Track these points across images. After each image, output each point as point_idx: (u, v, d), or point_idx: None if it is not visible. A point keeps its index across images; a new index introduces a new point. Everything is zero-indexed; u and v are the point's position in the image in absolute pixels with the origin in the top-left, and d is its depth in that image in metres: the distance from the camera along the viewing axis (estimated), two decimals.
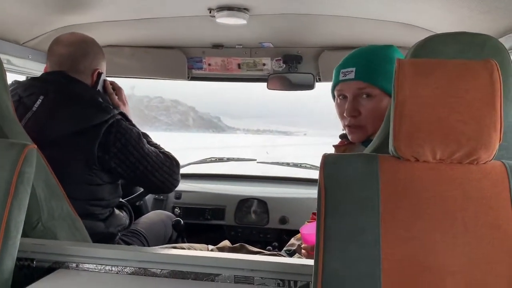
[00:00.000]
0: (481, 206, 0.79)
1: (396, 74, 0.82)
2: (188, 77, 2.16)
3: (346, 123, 1.30)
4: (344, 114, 1.28)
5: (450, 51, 0.92)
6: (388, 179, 0.82)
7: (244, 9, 1.53)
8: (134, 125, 1.47)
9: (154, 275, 0.99)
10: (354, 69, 1.26)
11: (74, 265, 1.03)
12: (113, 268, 1.01)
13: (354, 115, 1.27)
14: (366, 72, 1.25)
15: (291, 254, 1.46)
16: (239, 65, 2.08)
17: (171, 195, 2.33)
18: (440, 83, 0.79)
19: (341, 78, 1.29)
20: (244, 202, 2.28)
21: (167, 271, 0.99)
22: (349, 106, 1.27)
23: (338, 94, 1.32)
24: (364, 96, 1.26)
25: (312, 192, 2.28)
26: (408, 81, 0.81)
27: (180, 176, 1.58)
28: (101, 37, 1.74)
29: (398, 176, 0.82)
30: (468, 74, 0.79)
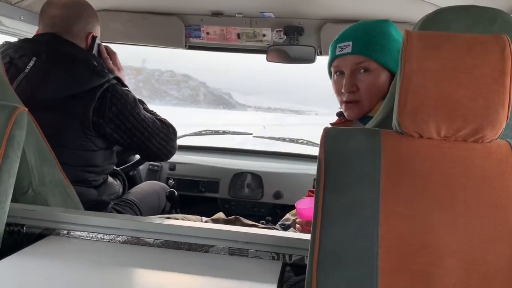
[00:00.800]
0: (483, 185, 0.77)
1: (403, 46, 0.79)
2: (186, 46, 2.10)
3: (344, 99, 1.28)
4: (342, 90, 1.25)
5: (460, 24, 0.89)
6: (390, 154, 0.80)
7: None
8: (129, 91, 1.43)
9: (147, 244, 0.98)
10: (351, 42, 1.24)
11: (65, 232, 1.01)
12: (105, 236, 0.99)
13: (352, 91, 1.25)
14: (363, 46, 1.23)
15: (285, 228, 1.46)
16: (238, 35, 2.02)
17: (165, 166, 2.31)
18: (449, 57, 0.76)
19: (337, 53, 1.26)
20: (239, 176, 2.27)
21: (161, 241, 0.97)
22: (347, 82, 1.25)
23: (335, 70, 1.29)
24: (362, 70, 1.24)
25: (307, 168, 2.27)
26: (416, 54, 0.78)
27: (176, 144, 1.55)
28: (97, 0, 1.67)
29: (400, 152, 0.80)
30: (478, 48, 0.76)
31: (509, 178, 0.78)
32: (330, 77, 1.34)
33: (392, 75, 1.23)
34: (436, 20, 0.89)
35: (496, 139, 0.79)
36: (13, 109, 0.95)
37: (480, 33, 0.82)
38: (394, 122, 0.81)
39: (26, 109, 0.98)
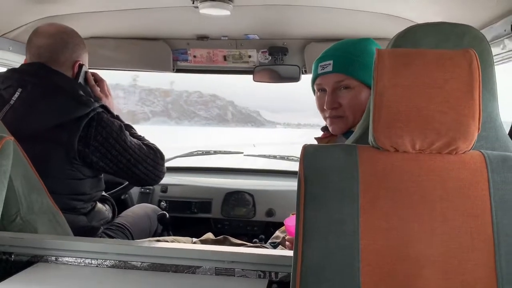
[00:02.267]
0: (459, 195, 0.79)
1: (375, 64, 0.82)
2: (174, 69, 2.14)
3: (326, 115, 1.31)
4: (324, 107, 1.28)
5: (431, 41, 0.92)
6: (367, 169, 0.82)
7: (228, 0, 1.51)
8: (117, 117, 1.45)
9: (134, 267, 0.99)
10: (331, 61, 1.27)
11: (53, 258, 1.02)
12: (93, 261, 1.00)
13: (334, 107, 1.28)
14: (344, 64, 1.26)
15: (275, 246, 1.46)
16: (224, 57, 2.06)
17: (157, 188, 2.32)
18: (419, 73, 0.79)
19: (319, 71, 1.30)
20: (231, 195, 2.28)
21: (147, 263, 0.98)
22: (329, 99, 1.28)
23: (318, 87, 1.33)
24: (343, 88, 1.27)
25: None
26: (387, 71, 0.80)
27: (165, 168, 1.56)
28: (85, 28, 1.71)
29: (377, 167, 0.82)
30: (447, 63, 0.79)
31: (484, 187, 0.79)
32: (314, 94, 1.37)
33: None
34: (407, 37, 0.92)
35: (469, 150, 0.81)
36: None
37: (450, 48, 0.85)
38: (370, 137, 0.83)
39: (13, 138, 1.00)
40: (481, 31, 0.98)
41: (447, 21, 0.95)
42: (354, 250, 0.77)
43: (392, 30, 1.54)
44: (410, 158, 0.82)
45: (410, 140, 0.80)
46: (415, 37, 0.93)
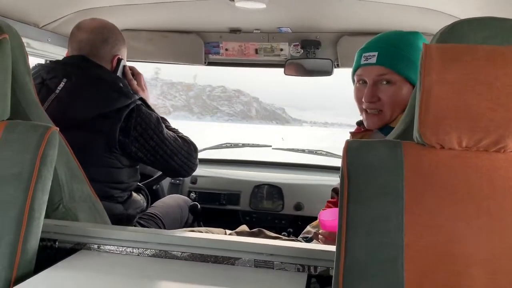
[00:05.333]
0: (507, 195, 0.78)
1: (422, 59, 0.80)
2: (205, 62, 2.15)
3: (364, 107, 1.28)
4: (363, 99, 1.26)
5: (478, 36, 0.89)
6: (412, 166, 0.81)
7: None
8: (153, 110, 1.48)
9: (174, 257, 1.00)
10: (376, 53, 1.23)
11: (95, 246, 1.04)
12: (134, 250, 1.02)
13: (373, 101, 1.25)
14: (388, 58, 1.23)
15: (308, 241, 1.46)
16: (256, 50, 2.07)
17: (187, 179, 2.35)
18: (468, 69, 0.78)
19: (362, 62, 1.26)
20: (259, 188, 2.29)
21: (187, 254, 1.00)
22: (368, 92, 1.25)
23: (358, 78, 1.29)
24: (384, 82, 1.24)
25: (327, 179, 2.27)
26: (435, 67, 0.79)
27: (198, 160, 1.59)
28: (119, 20, 1.73)
29: (422, 163, 0.81)
30: (498, 59, 0.78)
31: None
32: (353, 84, 1.35)
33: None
34: (453, 32, 0.90)
35: None
36: (46, 129, 0.99)
37: (498, 44, 0.83)
38: (415, 133, 0.82)
39: (58, 129, 1.02)
40: None
41: (490, 15, 0.93)
42: (398, 247, 0.76)
43: (432, 25, 1.52)
44: (456, 155, 0.81)
45: (457, 137, 0.79)
46: (461, 32, 0.90)
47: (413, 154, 0.82)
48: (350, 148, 0.84)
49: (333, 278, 0.78)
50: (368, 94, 1.24)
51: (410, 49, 1.22)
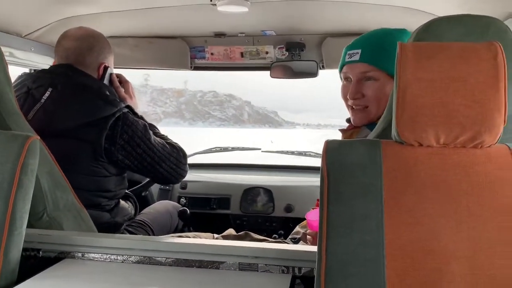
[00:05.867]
0: (485, 190, 0.78)
1: (398, 58, 0.81)
2: (191, 67, 2.15)
3: (349, 104, 1.29)
4: (347, 96, 1.27)
5: (454, 34, 0.91)
6: (391, 164, 0.81)
7: None
8: (141, 118, 1.49)
9: (159, 263, 1.00)
10: (359, 50, 1.25)
11: (80, 254, 1.04)
12: (119, 257, 1.02)
13: (357, 97, 1.26)
14: (371, 55, 1.24)
15: (296, 242, 1.47)
16: (242, 54, 2.07)
17: (177, 185, 2.34)
18: (443, 67, 0.78)
19: (346, 59, 1.28)
20: (249, 191, 2.29)
21: (172, 259, 0.99)
22: (353, 89, 1.26)
23: (344, 76, 1.31)
24: (368, 79, 1.25)
25: (317, 180, 2.26)
26: (410, 65, 0.80)
27: (187, 167, 1.59)
28: (104, 28, 1.73)
29: (401, 161, 0.81)
30: (471, 56, 0.78)
31: (510, 182, 0.78)
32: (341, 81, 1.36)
33: None
34: (429, 30, 0.91)
35: (495, 143, 0.80)
36: (26, 138, 0.98)
37: (474, 41, 0.84)
38: (393, 132, 0.83)
39: (39, 138, 1.02)
40: (505, 22, 0.97)
41: (470, 13, 0.94)
42: (379, 245, 0.77)
43: (413, 24, 1.52)
44: (434, 153, 0.81)
45: (435, 134, 0.79)
46: (437, 30, 0.92)
47: (392, 152, 0.82)
48: (329, 148, 0.85)
49: (315, 278, 0.78)
50: (353, 90, 1.25)
51: (393, 46, 1.23)
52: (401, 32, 1.28)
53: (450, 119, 0.78)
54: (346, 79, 1.31)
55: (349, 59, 1.27)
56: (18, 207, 0.94)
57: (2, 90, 1.12)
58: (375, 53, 1.24)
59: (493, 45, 0.79)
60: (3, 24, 1.61)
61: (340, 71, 1.34)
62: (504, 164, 0.80)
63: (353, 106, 1.29)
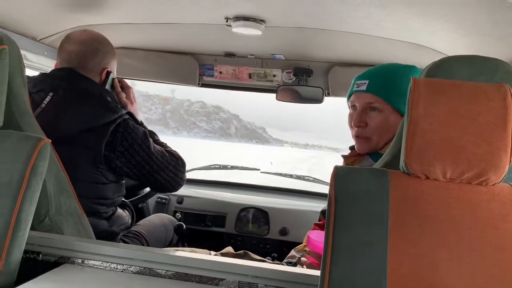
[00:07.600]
0: (487, 227, 0.80)
1: (410, 92, 0.84)
2: (199, 84, 2.19)
3: (353, 133, 1.34)
4: (352, 124, 1.32)
5: (464, 73, 0.94)
6: (398, 194, 0.83)
7: (261, 20, 1.56)
8: (141, 124, 1.48)
9: (158, 275, 1.00)
10: (367, 81, 1.30)
11: (79, 260, 1.03)
12: (118, 266, 1.02)
13: (360, 126, 1.31)
14: (378, 86, 1.29)
15: (292, 266, 1.46)
16: (249, 75, 2.11)
17: (173, 199, 2.34)
18: (454, 104, 0.81)
19: (354, 88, 1.34)
20: (245, 211, 2.29)
21: (172, 272, 0.99)
22: (357, 117, 1.32)
23: (351, 104, 1.37)
24: (373, 109, 1.30)
25: (314, 205, 2.28)
26: (422, 100, 0.82)
27: (185, 175, 1.58)
28: (116, 38, 1.76)
29: (407, 192, 0.83)
30: (481, 96, 0.81)
31: None
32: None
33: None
34: (442, 68, 0.94)
35: (499, 182, 0.83)
36: (38, 140, 0.99)
37: (482, 81, 0.87)
38: (402, 163, 0.85)
39: (50, 141, 1.03)
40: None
41: (477, 54, 0.97)
42: (381, 273, 0.78)
43: (420, 60, 1.58)
44: (440, 186, 0.83)
45: (442, 168, 0.82)
46: (449, 68, 0.95)
47: (399, 183, 0.84)
48: (338, 174, 0.87)
49: None
50: (357, 118, 1.31)
51: (402, 81, 1.27)
52: (410, 68, 1.32)
53: (458, 155, 0.80)
54: (352, 107, 1.37)
55: (357, 88, 1.33)
56: (25, 208, 0.94)
57: (18, 92, 1.13)
58: (382, 85, 1.29)
59: (502, 87, 0.82)
60: (20, 27, 1.63)
61: (348, 99, 1.39)
62: (506, 203, 0.82)
63: (357, 135, 1.33)
